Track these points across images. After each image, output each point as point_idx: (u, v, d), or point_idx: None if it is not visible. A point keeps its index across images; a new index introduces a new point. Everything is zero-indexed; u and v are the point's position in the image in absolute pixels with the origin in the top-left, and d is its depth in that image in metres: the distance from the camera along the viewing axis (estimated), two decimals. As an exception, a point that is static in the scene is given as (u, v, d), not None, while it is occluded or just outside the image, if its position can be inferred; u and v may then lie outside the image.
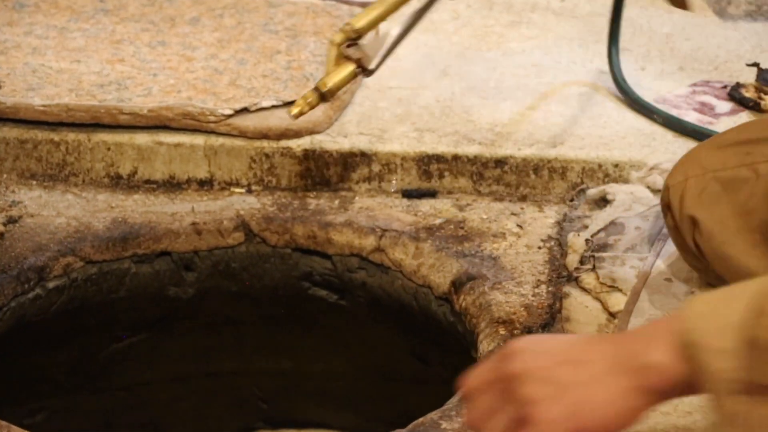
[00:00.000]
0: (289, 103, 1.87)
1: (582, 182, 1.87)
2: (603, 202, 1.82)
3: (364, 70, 1.75)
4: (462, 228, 1.81)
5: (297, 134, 1.90)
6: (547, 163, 1.88)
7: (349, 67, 1.74)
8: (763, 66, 2.06)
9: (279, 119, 1.91)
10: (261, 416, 2.07)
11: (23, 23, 2.17)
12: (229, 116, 1.91)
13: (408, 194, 1.89)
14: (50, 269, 1.75)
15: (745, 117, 1.99)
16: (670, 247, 1.64)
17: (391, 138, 1.92)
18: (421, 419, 1.44)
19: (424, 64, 2.14)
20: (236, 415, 2.05)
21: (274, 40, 2.14)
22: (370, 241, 1.81)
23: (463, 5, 2.38)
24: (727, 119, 1.98)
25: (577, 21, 2.32)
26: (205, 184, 1.92)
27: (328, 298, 1.88)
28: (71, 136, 1.92)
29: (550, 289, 1.66)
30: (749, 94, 2.02)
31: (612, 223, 1.75)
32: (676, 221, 1.53)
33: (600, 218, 1.77)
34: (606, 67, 2.05)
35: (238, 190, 1.91)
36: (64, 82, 1.98)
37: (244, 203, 1.88)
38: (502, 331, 1.58)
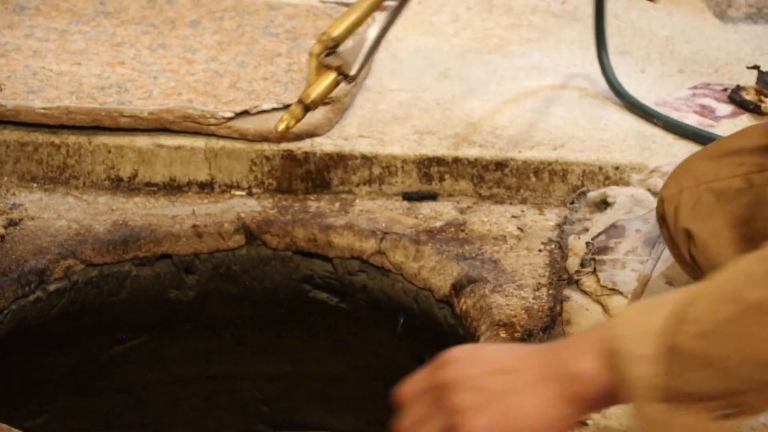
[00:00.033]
0: (290, 106, 1.87)
1: (582, 185, 1.87)
2: (603, 204, 1.82)
3: (345, 76, 1.77)
4: (462, 231, 1.81)
5: (297, 137, 1.90)
6: (547, 165, 1.88)
7: (331, 76, 1.75)
8: (763, 69, 2.06)
9: (279, 122, 1.91)
10: (261, 419, 2.07)
11: (24, 26, 2.17)
12: (230, 119, 1.91)
13: (408, 197, 1.89)
14: (51, 272, 1.75)
15: (745, 119, 1.99)
16: (671, 250, 1.64)
17: (392, 140, 1.92)
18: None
19: (425, 67, 2.15)
20: (237, 418, 2.05)
21: (274, 43, 2.14)
22: (370, 244, 1.81)
23: (463, 8, 2.38)
24: (727, 122, 1.98)
25: (578, 23, 2.32)
26: (206, 187, 1.92)
27: (328, 300, 1.88)
28: (72, 138, 1.92)
29: (550, 292, 1.66)
30: (750, 96, 2.02)
31: (612, 226, 1.75)
32: (672, 234, 1.53)
33: (600, 221, 1.77)
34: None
35: (238, 192, 1.91)
36: (65, 84, 1.98)
37: (244, 206, 1.88)
38: (502, 334, 1.58)
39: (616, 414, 1.32)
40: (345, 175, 1.90)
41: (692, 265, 1.53)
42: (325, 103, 1.93)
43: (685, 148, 1.89)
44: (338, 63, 1.75)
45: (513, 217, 1.84)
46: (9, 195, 1.89)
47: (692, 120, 1.98)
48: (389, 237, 1.80)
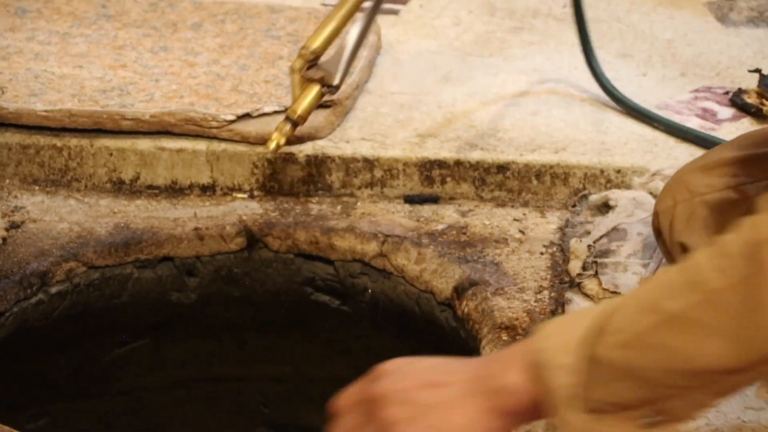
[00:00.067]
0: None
1: (584, 188, 1.87)
2: (605, 207, 1.82)
3: (329, 87, 1.78)
4: (464, 234, 1.81)
5: (299, 140, 1.90)
6: (549, 168, 1.88)
7: (315, 89, 1.77)
8: (765, 72, 2.06)
9: (281, 125, 1.91)
10: (263, 421, 2.07)
11: (25, 29, 2.17)
12: (232, 122, 1.91)
13: (410, 200, 1.89)
14: (53, 274, 1.75)
15: (746, 123, 1.99)
16: (673, 253, 1.64)
17: (393, 143, 1.92)
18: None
19: (426, 70, 2.15)
20: (238, 420, 2.05)
21: (276, 46, 2.14)
22: (372, 247, 1.81)
23: (465, 11, 2.38)
24: (729, 125, 1.98)
25: (579, 27, 2.32)
26: (208, 190, 1.92)
27: (330, 303, 1.88)
28: (74, 141, 1.92)
29: (552, 294, 1.66)
30: (751, 100, 2.02)
31: (614, 228, 1.75)
32: (668, 247, 1.53)
33: (602, 224, 1.77)
34: (608, 73, 2.05)
35: (240, 195, 1.91)
36: (67, 87, 1.98)
37: (246, 208, 1.88)
38: (504, 337, 1.58)
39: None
40: (347, 178, 1.90)
41: None
42: (327, 106, 1.93)
43: (687, 152, 1.89)
44: (320, 75, 1.77)
45: (515, 220, 1.85)
46: (11, 197, 1.89)
47: (694, 123, 1.98)
48: (391, 240, 1.80)
